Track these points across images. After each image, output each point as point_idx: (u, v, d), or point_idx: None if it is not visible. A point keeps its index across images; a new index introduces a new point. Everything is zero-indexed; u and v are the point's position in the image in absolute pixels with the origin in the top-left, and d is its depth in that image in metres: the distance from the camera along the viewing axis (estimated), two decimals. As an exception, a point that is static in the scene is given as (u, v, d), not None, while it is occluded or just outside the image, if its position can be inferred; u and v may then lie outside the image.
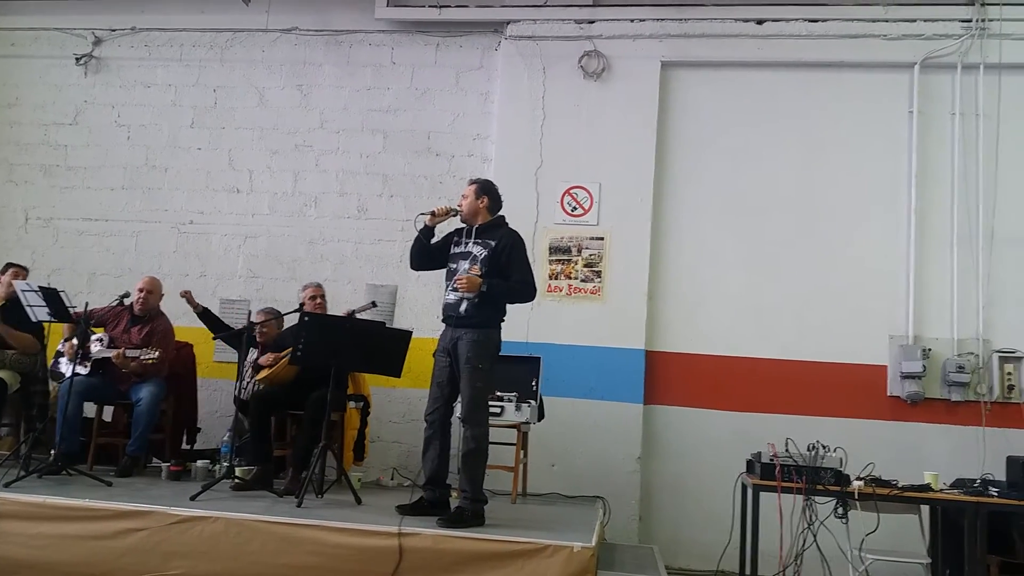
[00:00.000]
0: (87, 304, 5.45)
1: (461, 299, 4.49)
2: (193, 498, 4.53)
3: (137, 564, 4.13)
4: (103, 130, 7.31)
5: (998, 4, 6.30)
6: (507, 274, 4.53)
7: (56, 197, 7.26)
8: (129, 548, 4.16)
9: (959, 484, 4.81)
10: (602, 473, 6.06)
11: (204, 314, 5.98)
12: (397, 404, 6.49)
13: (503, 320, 4.61)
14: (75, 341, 5.45)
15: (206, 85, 7.25)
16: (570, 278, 6.44)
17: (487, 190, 4.72)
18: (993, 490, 4.63)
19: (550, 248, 6.49)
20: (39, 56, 7.47)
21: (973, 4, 6.33)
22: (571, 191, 6.53)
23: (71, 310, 5.46)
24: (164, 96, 7.29)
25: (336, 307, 5.90)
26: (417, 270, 5.01)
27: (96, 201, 7.20)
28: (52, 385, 5.96)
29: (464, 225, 4.71)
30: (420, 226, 4.71)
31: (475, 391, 4.43)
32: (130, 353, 5.42)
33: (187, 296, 5.95)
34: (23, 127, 7.41)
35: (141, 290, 5.78)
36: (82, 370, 5.50)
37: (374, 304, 5.73)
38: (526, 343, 6.16)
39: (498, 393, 5.38)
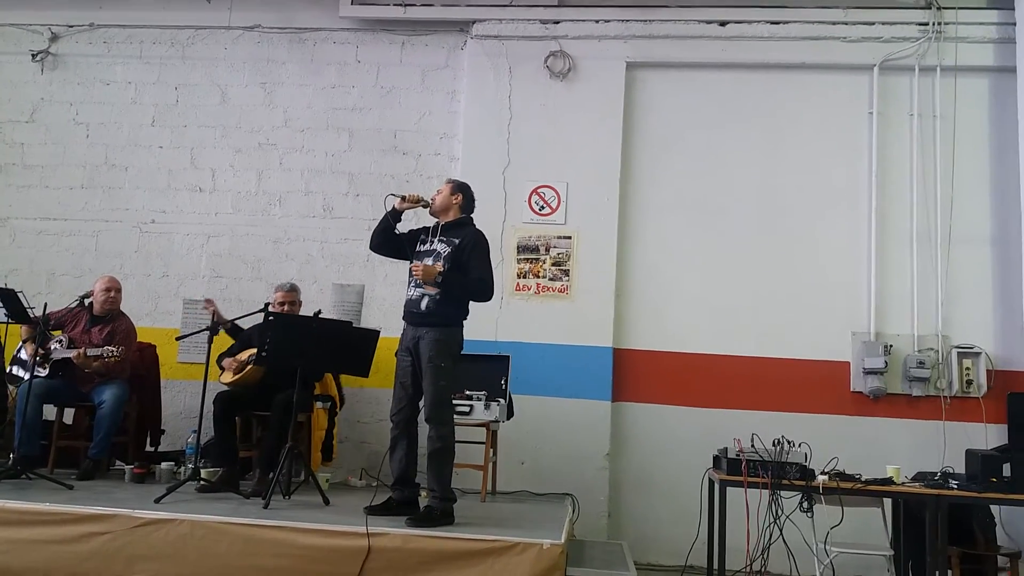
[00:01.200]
0: (46, 306, 5.35)
1: (423, 295, 4.47)
2: (158, 500, 4.45)
3: (101, 568, 4.05)
4: (61, 128, 7.15)
5: (953, 8, 6.44)
6: (468, 271, 4.51)
7: (12, 196, 7.08)
8: (92, 552, 4.08)
9: (920, 477, 4.89)
10: (571, 470, 6.07)
11: (233, 330, 5.71)
12: (365, 404, 6.45)
13: (465, 319, 4.60)
14: (36, 346, 5.32)
15: (167, 83, 7.13)
16: (538, 277, 6.45)
17: (462, 189, 4.73)
18: (953, 483, 4.70)
19: (518, 247, 6.50)
20: (-7, 52, 7.31)
21: (930, 8, 6.46)
22: (538, 190, 6.54)
23: (29, 311, 5.35)
24: (124, 94, 7.15)
25: (303, 307, 5.86)
26: (375, 251, 4.85)
27: (54, 200, 7.04)
28: (10, 388, 5.83)
29: (432, 223, 4.70)
30: (389, 207, 4.66)
31: (438, 390, 4.41)
32: (91, 352, 5.32)
33: (212, 309, 5.62)
34: (-23, 125, 7.24)
35: (108, 289, 5.67)
36: (41, 372, 5.40)
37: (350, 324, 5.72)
38: (495, 342, 6.17)
39: (467, 392, 5.40)
